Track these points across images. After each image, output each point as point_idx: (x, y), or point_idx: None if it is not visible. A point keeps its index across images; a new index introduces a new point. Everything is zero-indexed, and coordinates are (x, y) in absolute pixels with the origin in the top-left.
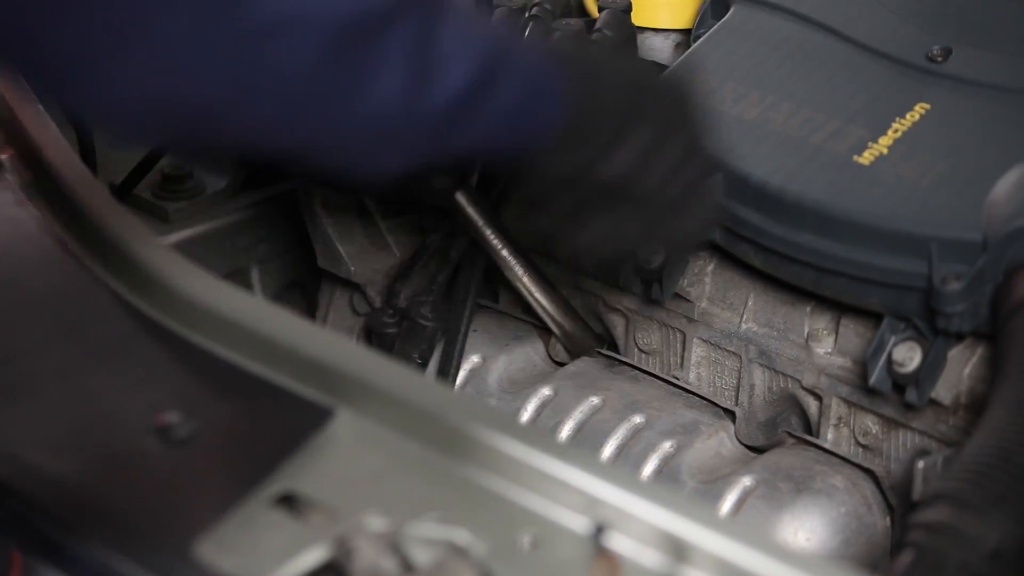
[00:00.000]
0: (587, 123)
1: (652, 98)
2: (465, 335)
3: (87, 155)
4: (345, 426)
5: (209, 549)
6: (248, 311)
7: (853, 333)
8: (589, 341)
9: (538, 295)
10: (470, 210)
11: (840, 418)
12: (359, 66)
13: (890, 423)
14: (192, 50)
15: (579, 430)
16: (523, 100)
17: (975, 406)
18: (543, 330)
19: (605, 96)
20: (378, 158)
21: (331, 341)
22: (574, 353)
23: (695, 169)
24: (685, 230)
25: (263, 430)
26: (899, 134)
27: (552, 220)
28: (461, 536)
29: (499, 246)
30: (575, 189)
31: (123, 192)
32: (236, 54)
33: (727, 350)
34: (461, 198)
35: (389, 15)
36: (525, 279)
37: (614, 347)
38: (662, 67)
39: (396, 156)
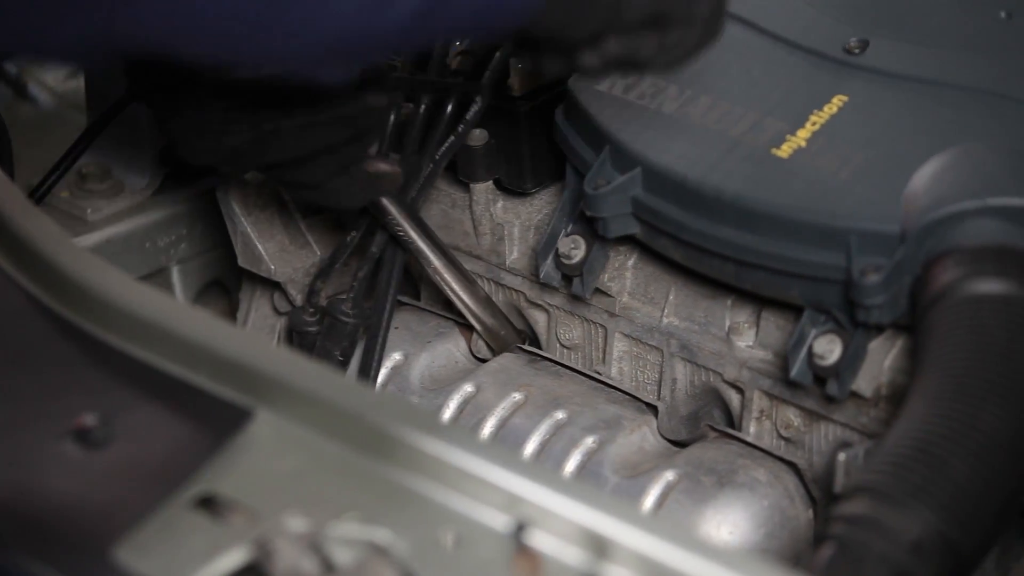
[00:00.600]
0: None
1: None
2: (387, 331)
3: (3, 157)
4: (265, 427)
5: (128, 552)
6: (166, 312)
7: (774, 326)
8: (510, 336)
9: (458, 290)
10: (390, 205)
11: (762, 411)
12: None
13: (812, 416)
14: None
15: (501, 427)
16: None
17: (896, 398)
18: (465, 327)
19: None
20: (336, 68)
21: (249, 341)
22: (496, 349)
23: None
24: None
25: (182, 432)
26: (817, 127)
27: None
28: (382, 536)
29: (419, 242)
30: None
31: (40, 194)
32: None
33: (649, 344)
34: None
35: None
36: (445, 274)
37: (536, 343)
38: None
39: (353, 65)
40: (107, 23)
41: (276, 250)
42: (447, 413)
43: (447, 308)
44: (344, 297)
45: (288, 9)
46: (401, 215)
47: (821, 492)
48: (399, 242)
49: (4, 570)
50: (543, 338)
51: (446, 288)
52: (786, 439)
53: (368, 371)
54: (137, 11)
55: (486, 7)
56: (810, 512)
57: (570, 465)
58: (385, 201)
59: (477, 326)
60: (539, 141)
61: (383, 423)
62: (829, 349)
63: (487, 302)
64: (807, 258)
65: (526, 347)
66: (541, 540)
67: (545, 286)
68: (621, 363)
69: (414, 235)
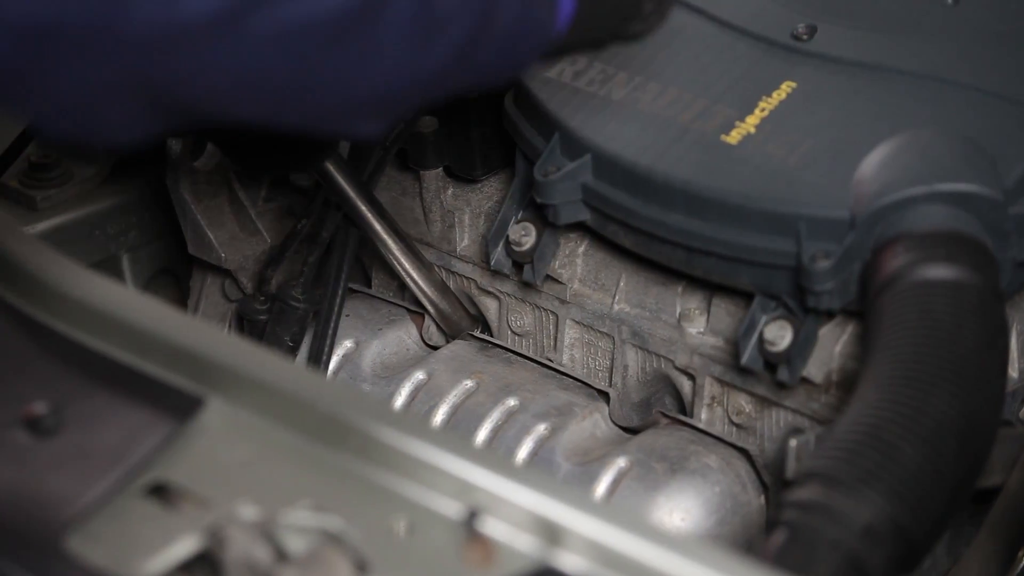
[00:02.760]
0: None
1: None
2: (338, 315)
3: None
4: (216, 415)
5: (79, 541)
6: (116, 300)
7: (725, 312)
8: (464, 320)
9: (412, 271)
10: (340, 181)
11: (713, 398)
12: (362, 50)
13: (763, 402)
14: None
15: (453, 414)
16: (521, 20)
17: (846, 383)
18: (416, 314)
19: None
20: (373, 121)
21: (200, 329)
22: (449, 333)
23: None
24: None
25: (133, 420)
26: (766, 113)
27: None
28: (334, 523)
29: (372, 221)
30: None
31: None
32: (247, 57)
33: (600, 331)
34: (331, 168)
35: None
36: (398, 254)
37: (487, 330)
38: None
39: (390, 117)
40: (146, 89)
41: (226, 238)
42: (399, 400)
43: (398, 296)
44: (294, 283)
45: (325, 68)
46: (352, 191)
47: (773, 478)
48: (356, 224)
49: None
50: (494, 325)
51: (399, 268)
52: (737, 425)
53: (319, 356)
54: (176, 74)
55: (520, 34)
56: (762, 498)
57: (522, 452)
58: (342, 184)
59: (431, 310)
60: (489, 128)
61: (335, 411)
62: (780, 335)
63: (442, 286)
64: (757, 244)
65: (477, 334)
66: (493, 527)
67: (496, 273)
68: (572, 350)
69: (367, 214)
